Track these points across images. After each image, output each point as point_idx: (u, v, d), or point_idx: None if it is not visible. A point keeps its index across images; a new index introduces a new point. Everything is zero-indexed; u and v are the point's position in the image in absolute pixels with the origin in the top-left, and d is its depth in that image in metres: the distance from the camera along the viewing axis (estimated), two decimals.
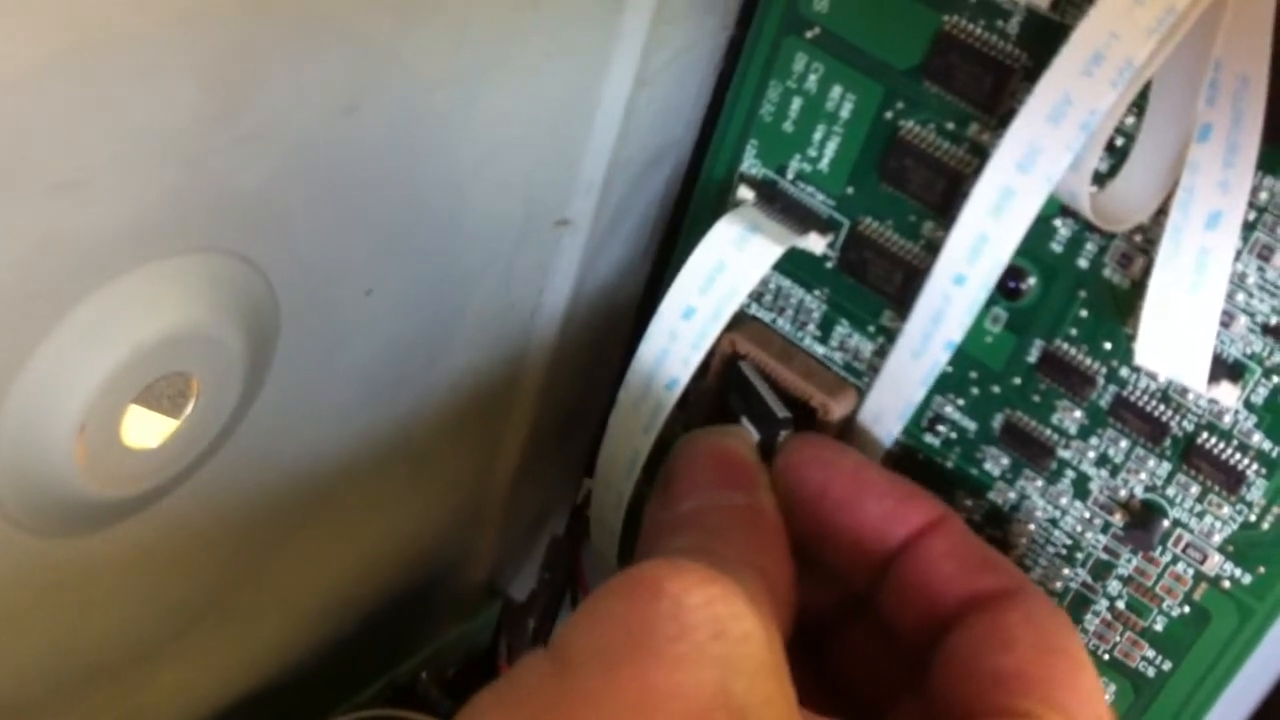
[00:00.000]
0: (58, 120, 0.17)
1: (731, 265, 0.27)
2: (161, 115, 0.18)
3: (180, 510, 0.24)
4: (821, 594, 0.26)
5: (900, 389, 0.26)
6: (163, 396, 0.22)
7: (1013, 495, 0.27)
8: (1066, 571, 0.27)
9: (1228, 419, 0.24)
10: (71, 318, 0.19)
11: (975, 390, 0.27)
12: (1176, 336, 0.23)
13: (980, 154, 0.25)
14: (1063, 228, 0.25)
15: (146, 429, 0.22)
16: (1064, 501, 0.27)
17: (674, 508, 0.25)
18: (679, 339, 0.27)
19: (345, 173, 0.22)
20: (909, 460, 0.28)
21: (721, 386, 0.29)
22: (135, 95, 0.18)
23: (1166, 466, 0.25)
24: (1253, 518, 0.25)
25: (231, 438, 0.24)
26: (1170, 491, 0.25)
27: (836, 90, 0.27)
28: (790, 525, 0.25)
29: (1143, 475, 0.26)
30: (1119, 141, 0.24)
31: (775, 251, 0.27)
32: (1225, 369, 0.24)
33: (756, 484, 0.25)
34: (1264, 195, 0.23)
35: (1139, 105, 0.23)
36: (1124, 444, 0.26)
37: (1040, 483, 0.27)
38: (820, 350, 0.29)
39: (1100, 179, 0.24)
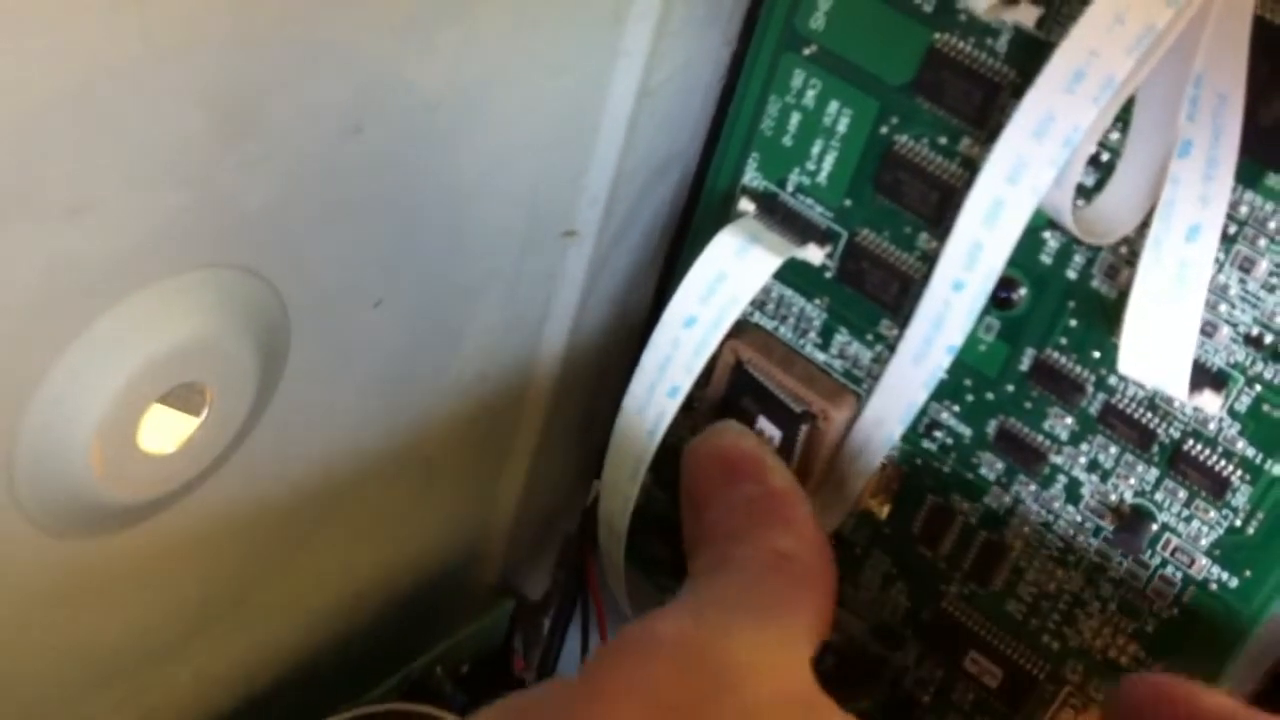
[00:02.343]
0: (69, 148, 0.18)
1: (732, 275, 0.27)
2: (168, 141, 0.19)
3: (196, 513, 0.24)
4: None
5: (902, 393, 0.27)
6: (178, 405, 0.23)
7: (1008, 499, 0.28)
8: (1060, 574, 0.28)
9: (1212, 426, 0.25)
10: (89, 332, 0.20)
11: (970, 397, 0.28)
12: (1158, 346, 0.24)
13: (971, 168, 0.26)
14: (1051, 240, 0.25)
15: (162, 435, 0.23)
16: (1057, 506, 0.27)
17: (701, 520, 0.25)
18: (681, 346, 0.27)
19: (351, 190, 0.23)
20: (908, 464, 0.29)
21: (731, 392, 0.30)
22: (143, 123, 0.19)
23: (1154, 472, 0.26)
24: (1238, 523, 0.25)
25: (245, 443, 0.25)
26: (1158, 497, 0.26)
27: (833, 105, 0.27)
28: None
29: (1132, 481, 0.26)
30: (1104, 157, 0.24)
31: (774, 262, 0.27)
32: (1209, 378, 0.24)
33: (763, 468, 0.26)
34: (1244, 209, 0.23)
35: (1124, 120, 0.24)
36: (1113, 450, 0.26)
37: (1034, 487, 0.27)
38: (821, 357, 0.30)
39: (1087, 194, 0.25)
